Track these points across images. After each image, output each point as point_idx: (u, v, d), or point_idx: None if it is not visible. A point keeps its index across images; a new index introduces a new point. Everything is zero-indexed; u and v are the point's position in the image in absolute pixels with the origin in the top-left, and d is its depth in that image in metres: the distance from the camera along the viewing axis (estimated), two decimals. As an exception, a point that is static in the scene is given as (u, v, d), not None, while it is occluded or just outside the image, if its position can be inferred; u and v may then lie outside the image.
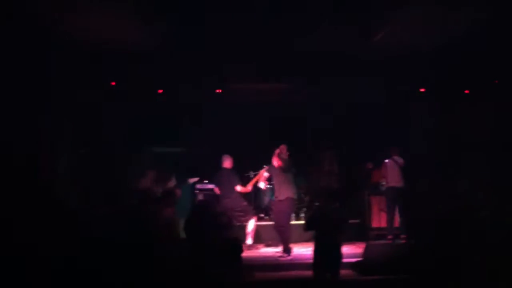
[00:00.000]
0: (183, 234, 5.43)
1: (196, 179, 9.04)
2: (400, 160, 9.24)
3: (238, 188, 8.25)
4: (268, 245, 8.68)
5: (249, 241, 8.31)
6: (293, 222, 9.55)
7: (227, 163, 8.36)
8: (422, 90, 9.54)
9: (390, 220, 9.19)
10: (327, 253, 6.02)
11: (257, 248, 8.46)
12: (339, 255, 6.03)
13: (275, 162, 7.82)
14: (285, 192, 7.72)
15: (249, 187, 8.44)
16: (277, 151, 7.88)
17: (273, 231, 8.29)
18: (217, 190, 8.42)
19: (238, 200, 8.24)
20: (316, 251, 6.07)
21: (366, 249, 6.88)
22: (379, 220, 9.75)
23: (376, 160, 9.72)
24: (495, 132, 8.85)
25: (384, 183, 9.62)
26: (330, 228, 6.07)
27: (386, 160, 9.33)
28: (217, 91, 9.17)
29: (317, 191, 6.41)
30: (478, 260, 5.89)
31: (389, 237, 9.05)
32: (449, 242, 6.59)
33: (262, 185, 8.35)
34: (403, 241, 8.71)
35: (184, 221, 5.44)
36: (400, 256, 6.47)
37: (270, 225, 8.82)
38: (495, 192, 7.97)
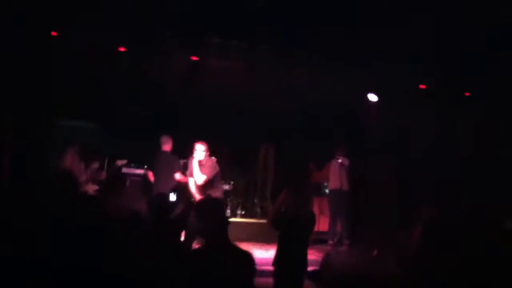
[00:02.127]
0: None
1: (124, 161, 7.69)
2: (346, 161, 8.65)
3: (177, 176, 7.07)
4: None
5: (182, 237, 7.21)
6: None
7: (167, 145, 7.14)
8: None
9: (332, 224, 8.59)
10: (292, 260, 5.16)
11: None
12: (305, 263, 5.21)
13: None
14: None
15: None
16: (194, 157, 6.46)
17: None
18: (150, 176, 7.19)
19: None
20: (280, 256, 5.18)
21: (325, 259, 6.16)
22: (318, 224, 9.11)
23: (320, 158, 9.09)
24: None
25: (326, 184, 9.04)
26: (300, 231, 5.23)
27: (332, 161, 8.72)
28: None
29: (289, 187, 5.64)
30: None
31: (330, 242, 8.46)
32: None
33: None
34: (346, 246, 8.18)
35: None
36: (364, 267, 5.89)
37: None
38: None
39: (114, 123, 8.52)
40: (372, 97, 8.49)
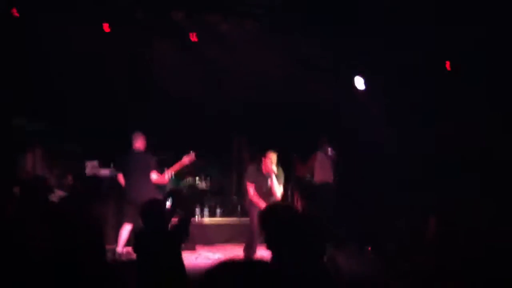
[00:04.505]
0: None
1: (94, 162, 6.70)
2: (332, 153, 8.00)
3: (154, 176, 6.16)
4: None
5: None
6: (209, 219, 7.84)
7: (139, 142, 6.22)
8: None
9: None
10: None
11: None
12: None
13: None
14: None
15: (166, 176, 6.33)
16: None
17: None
18: (120, 178, 6.23)
19: (152, 193, 6.04)
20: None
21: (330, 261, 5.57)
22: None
23: (302, 151, 8.37)
24: None
25: (309, 177, 8.35)
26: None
27: (317, 152, 8.04)
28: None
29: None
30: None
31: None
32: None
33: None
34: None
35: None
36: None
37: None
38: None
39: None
40: (359, 83, 7.72)
